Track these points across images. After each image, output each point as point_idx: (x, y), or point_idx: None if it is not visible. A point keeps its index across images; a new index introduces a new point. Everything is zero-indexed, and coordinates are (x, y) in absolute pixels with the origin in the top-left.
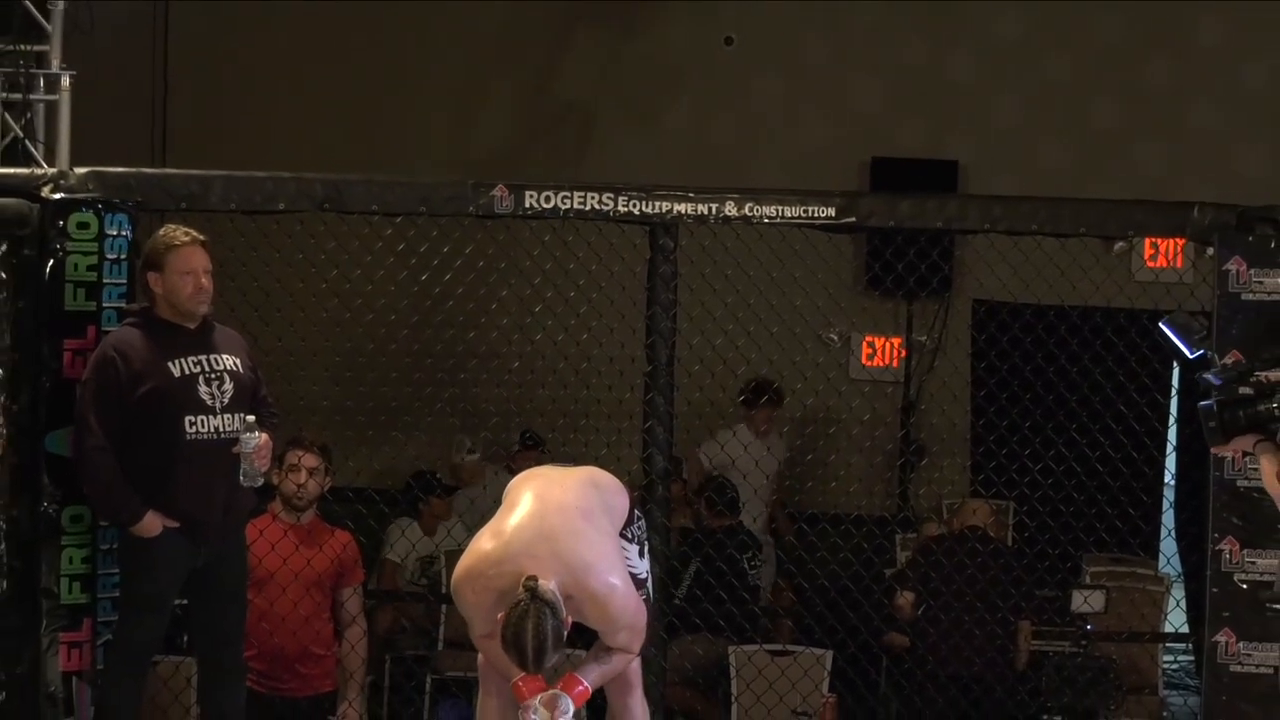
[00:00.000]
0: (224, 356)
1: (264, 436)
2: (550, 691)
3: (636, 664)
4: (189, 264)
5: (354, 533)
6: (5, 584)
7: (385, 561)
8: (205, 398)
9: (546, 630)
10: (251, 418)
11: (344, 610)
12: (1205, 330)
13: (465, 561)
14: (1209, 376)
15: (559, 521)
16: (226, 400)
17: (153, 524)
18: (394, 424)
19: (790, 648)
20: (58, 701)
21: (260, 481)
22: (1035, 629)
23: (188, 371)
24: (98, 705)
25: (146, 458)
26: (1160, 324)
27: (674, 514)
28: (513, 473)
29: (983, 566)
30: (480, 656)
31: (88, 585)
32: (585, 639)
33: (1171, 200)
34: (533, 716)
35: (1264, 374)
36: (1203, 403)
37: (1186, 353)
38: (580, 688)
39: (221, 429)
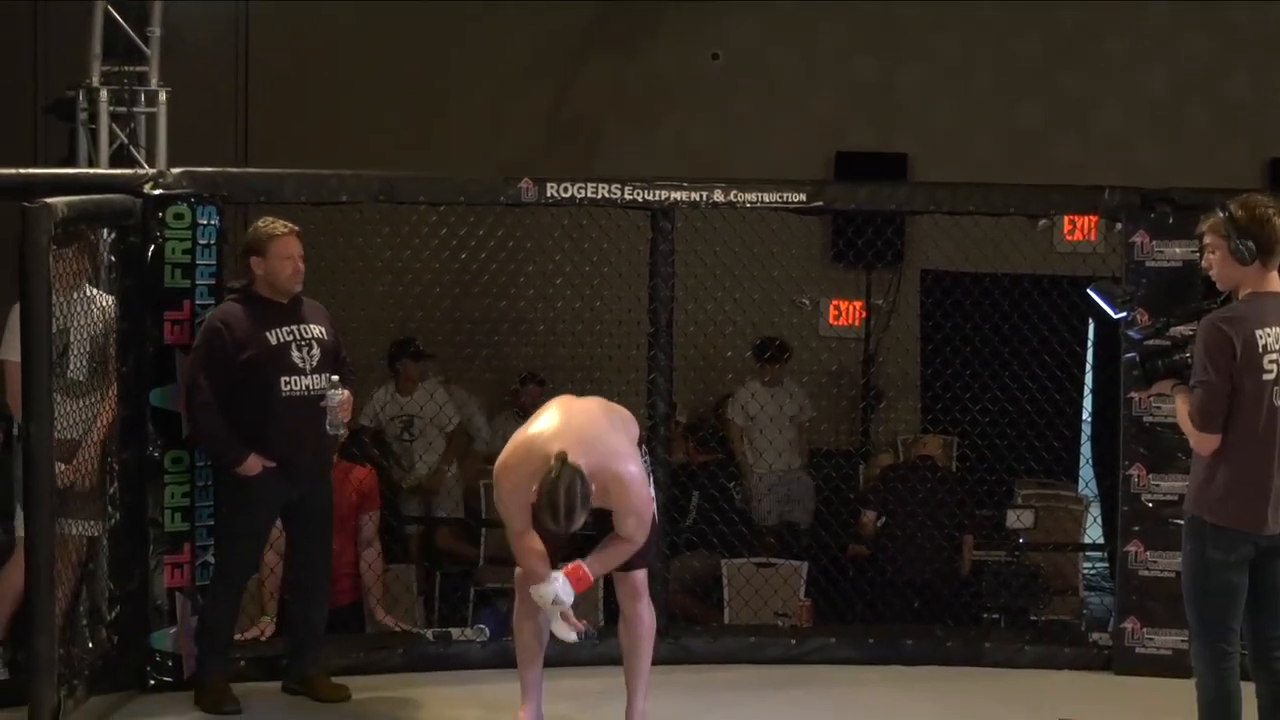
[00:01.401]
0: (312, 326)
1: (346, 393)
2: (554, 573)
3: (643, 574)
4: (287, 250)
5: (373, 468)
6: (119, 516)
7: (361, 428)
8: (297, 361)
9: (576, 491)
10: (335, 377)
11: (362, 534)
12: (1128, 295)
13: (502, 458)
14: (1132, 333)
15: (584, 419)
16: (314, 363)
17: (254, 464)
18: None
19: (772, 560)
20: (163, 613)
21: (343, 430)
22: (976, 542)
23: (282, 340)
24: (201, 619)
25: (249, 411)
26: (1088, 289)
27: (672, 451)
28: (518, 411)
29: (932, 490)
30: (517, 571)
31: (187, 516)
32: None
33: (1086, 185)
34: (542, 590)
35: (1178, 329)
36: (1127, 354)
37: (1111, 313)
38: (581, 572)
39: (311, 387)
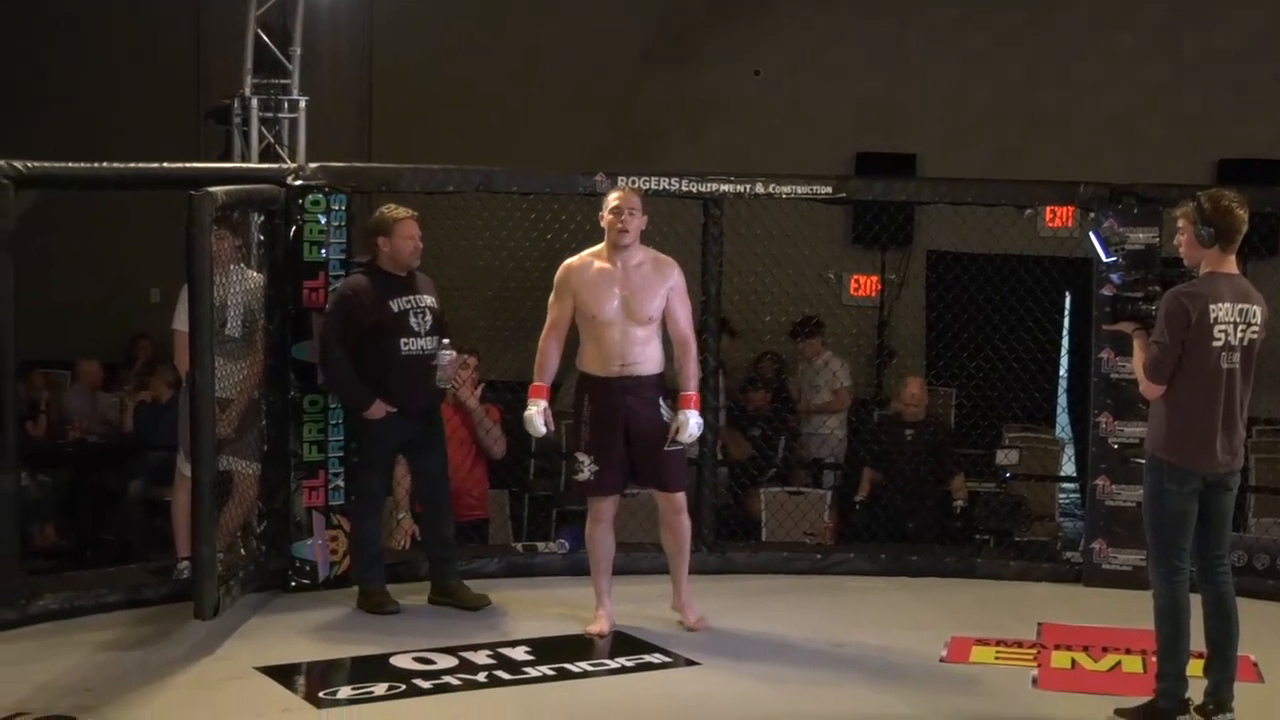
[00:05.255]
0: (425, 297)
1: (454, 354)
2: (676, 420)
3: (683, 494)
4: (409, 231)
5: (502, 410)
6: (267, 447)
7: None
8: (414, 326)
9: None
10: (446, 340)
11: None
12: (1121, 242)
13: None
14: (1114, 276)
15: None
16: (428, 328)
17: (378, 409)
18: (530, 337)
19: (801, 489)
20: (302, 527)
21: (449, 385)
22: (968, 476)
23: (402, 308)
24: (354, 537)
25: (375, 366)
26: (1089, 232)
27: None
28: None
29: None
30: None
31: (321, 448)
32: None
33: (1064, 180)
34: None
35: (1154, 286)
36: (1104, 292)
37: (1104, 256)
38: (693, 395)
39: (425, 348)
